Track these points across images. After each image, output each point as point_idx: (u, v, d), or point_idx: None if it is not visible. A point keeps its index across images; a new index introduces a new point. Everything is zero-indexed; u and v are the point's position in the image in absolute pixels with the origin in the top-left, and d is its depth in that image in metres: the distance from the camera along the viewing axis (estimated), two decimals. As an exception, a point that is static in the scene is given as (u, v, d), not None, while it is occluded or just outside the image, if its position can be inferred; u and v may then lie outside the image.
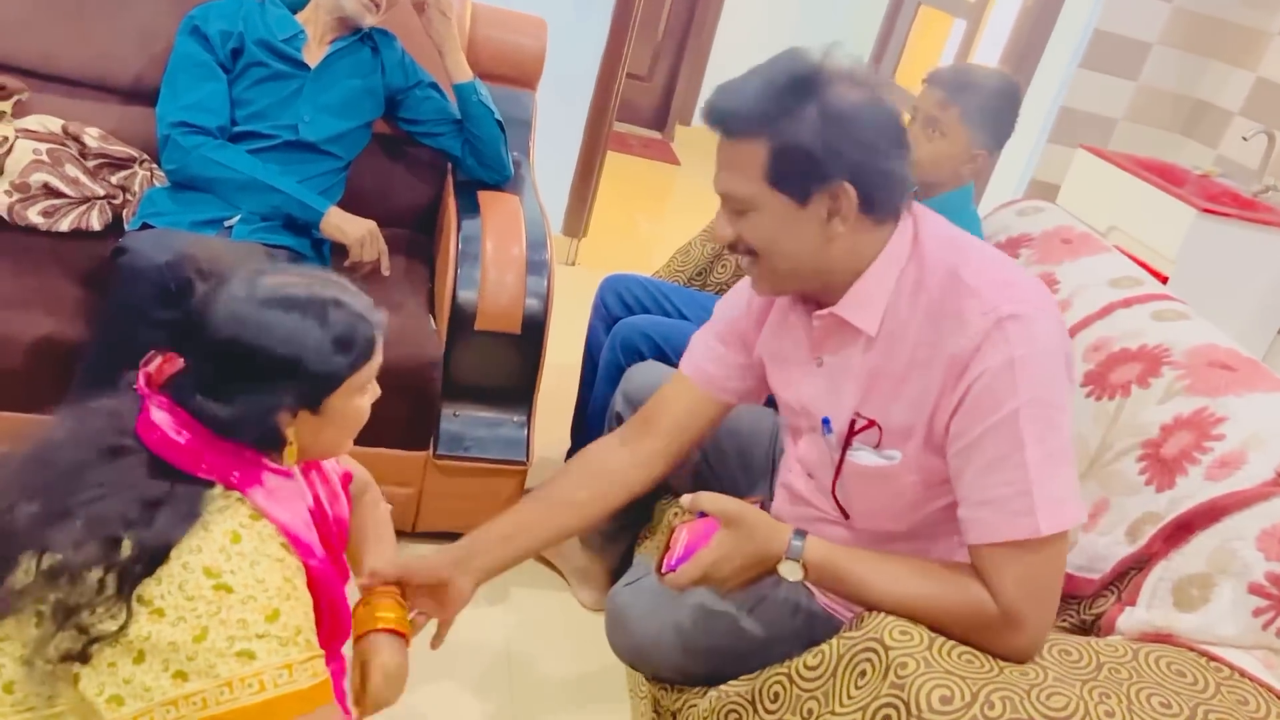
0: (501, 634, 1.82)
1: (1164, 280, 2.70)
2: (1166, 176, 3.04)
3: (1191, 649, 1.14)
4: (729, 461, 1.60)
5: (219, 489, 0.97)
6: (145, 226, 1.80)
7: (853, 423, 1.19)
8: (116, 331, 1.55)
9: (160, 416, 0.97)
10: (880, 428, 1.17)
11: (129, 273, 1.54)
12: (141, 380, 1.00)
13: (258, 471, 1.00)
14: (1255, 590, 1.13)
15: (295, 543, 1.00)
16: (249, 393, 0.97)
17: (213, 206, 1.84)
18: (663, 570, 1.16)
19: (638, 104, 5.49)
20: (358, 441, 1.76)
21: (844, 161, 1.08)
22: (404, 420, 1.82)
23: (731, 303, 1.40)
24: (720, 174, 1.15)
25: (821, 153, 1.08)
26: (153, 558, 0.90)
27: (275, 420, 1.00)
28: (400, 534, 1.91)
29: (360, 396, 1.07)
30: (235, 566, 0.93)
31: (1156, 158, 3.23)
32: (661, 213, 4.67)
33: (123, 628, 0.89)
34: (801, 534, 1.14)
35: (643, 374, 1.69)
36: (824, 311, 1.19)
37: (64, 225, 1.85)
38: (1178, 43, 3.32)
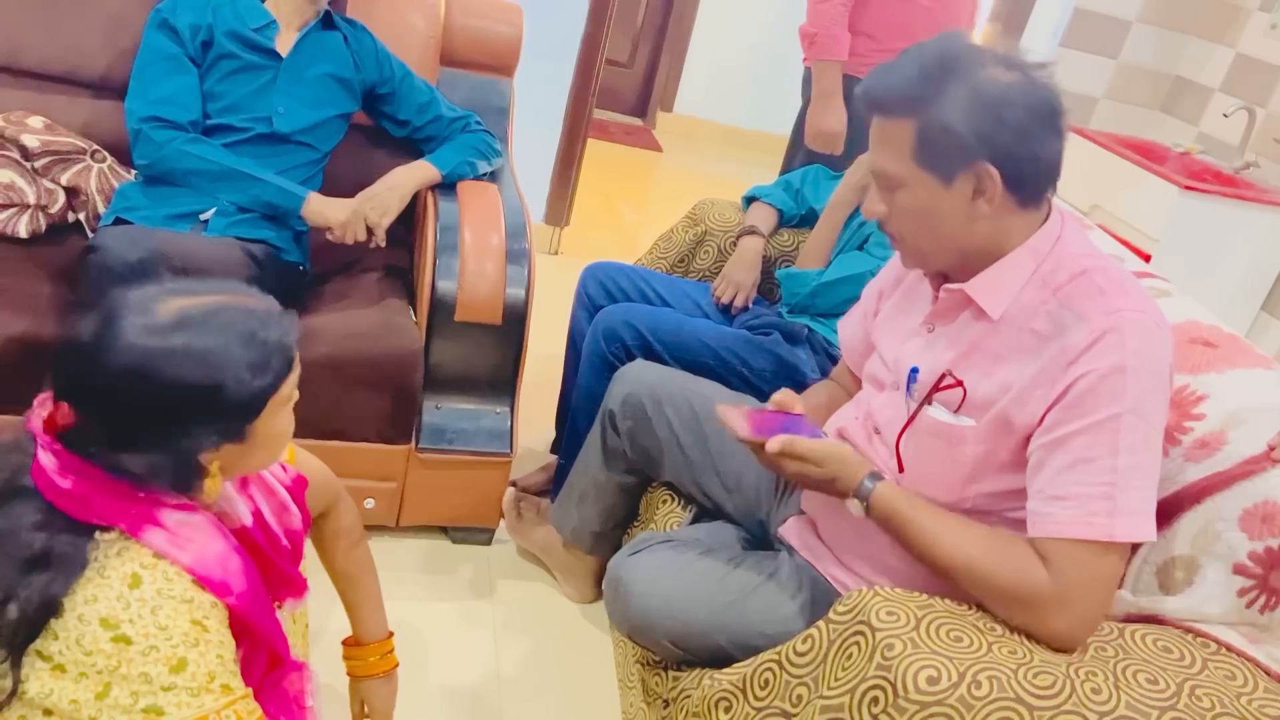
0: (489, 626, 1.81)
1: (1147, 259, 2.71)
2: (1148, 154, 3.04)
3: (1177, 627, 1.14)
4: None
5: (116, 531, 0.89)
6: (119, 221, 1.78)
7: (941, 378, 1.21)
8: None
9: (46, 460, 0.88)
10: (965, 391, 1.19)
11: (99, 270, 1.52)
12: (35, 419, 0.91)
13: (153, 511, 0.91)
14: (1240, 570, 1.13)
15: (206, 582, 0.92)
16: (165, 437, 0.88)
17: (187, 199, 1.81)
18: (751, 431, 1.23)
19: (619, 90, 5.46)
20: (339, 437, 1.79)
21: (988, 143, 1.11)
22: (385, 414, 1.81)
23: (891, 264, 1.45)
24: (873, 151, 1.19)
25: (965, 133, 1.10)
26: (36, 619, 0.84)
27: (197, 459, 0.92)
28: (383, 529, 1.92)
29: (284, 411, 0.98)
30: (134, 615, 0.86)
31: (1138, 136, 3.23)
32: (645, 200, 4.65)
33: (11, 694, 0.83)
34: (877, 477, 1.21)
35: (637, 374, 1.67)
36: (954, 286, 1.21)
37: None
38: (1157, 20, 3.32)
